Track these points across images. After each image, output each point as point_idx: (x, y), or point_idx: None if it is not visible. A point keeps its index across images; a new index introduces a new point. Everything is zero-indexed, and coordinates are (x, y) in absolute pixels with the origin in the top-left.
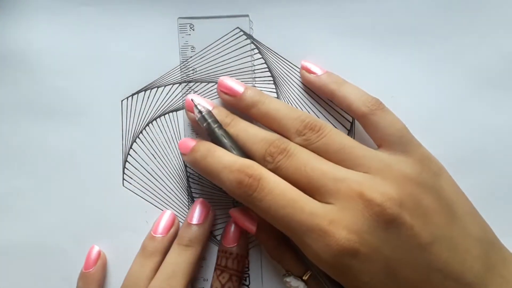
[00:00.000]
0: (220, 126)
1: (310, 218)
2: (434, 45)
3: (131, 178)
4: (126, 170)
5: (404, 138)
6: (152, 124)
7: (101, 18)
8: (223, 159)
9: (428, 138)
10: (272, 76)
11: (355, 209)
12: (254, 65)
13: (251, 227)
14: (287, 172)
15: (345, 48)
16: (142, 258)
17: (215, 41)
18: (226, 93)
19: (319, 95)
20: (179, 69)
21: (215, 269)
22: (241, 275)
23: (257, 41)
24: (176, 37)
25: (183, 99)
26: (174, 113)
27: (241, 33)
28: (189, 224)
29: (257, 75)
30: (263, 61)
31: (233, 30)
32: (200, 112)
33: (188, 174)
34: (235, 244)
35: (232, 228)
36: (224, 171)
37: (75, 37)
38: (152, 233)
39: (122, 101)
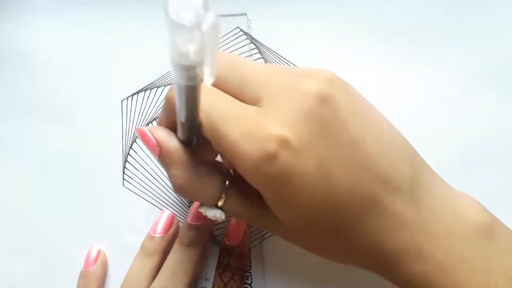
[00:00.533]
0: None
1: (242, 123)
2: (434, 45)
3: (131, 178)
4: (126, 170)
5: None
6: (152, 124)
7: (101, 18)
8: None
9: (428, 138)
10: None
11: (285, 101)
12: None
13: (155, 149)
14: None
15: (345, 48)
16: (141, 257)
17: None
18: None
19: None
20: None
21: (217, 268)
22: (243, 273)
23: (257, 41)
24: None
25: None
26: None
27: (241, 32)
28: (190, 225)
29: None
30: (263, 61)
31: (233, 30)
32: None
33: None
34: (237, 243)
35: (234, 226)
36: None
37: (75, 37)
38: (151, 233)
39: (122, 101)
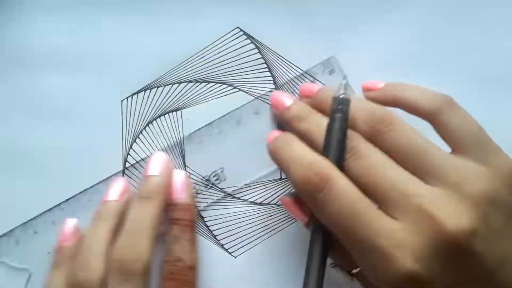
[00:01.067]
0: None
1: (375, 237)
2: (435, 45)
3: (131, 178)
4: (126, 170)
5: (480, 141)
6: (152, 124)
7: (101, 18)
8: (296, 152)
9: (428, 138)
10: (272, 76)
11: (423, 233)
12: (254, 65)
13: (303, 217)
14: (353, 173)
15: (345, 48)
16: (96, 221)
17: (215, 41)
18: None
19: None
20: (179, 69)
21: (167, 223)
22: (192, 224)
23: (257, 41)
24: (176, 36)
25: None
26: (174, 113)
27: (241, 33)
28: (147, 177)
29: (257, 75)
30: (263, 61)
31: (233, 30)
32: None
33: (188, 174)
34: (182, 196)
35: (177, 178)
36: (293, 164)
37: (75, 37)
38: (104, 199)
39: (122, 101)
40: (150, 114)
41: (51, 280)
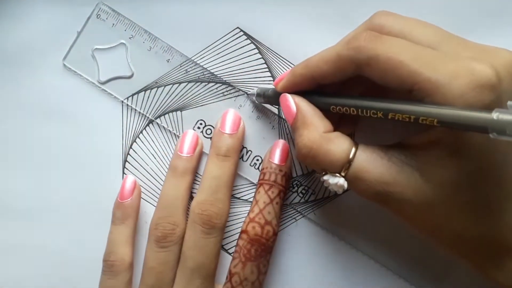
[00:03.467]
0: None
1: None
2: None
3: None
4: (126, 170)
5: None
6: (152, 124)
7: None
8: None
9: None
10: (272, 76)
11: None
12: (254, 65)
13: (292, 111)
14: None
15: None
16: (174, 178)
17: (215, 41)
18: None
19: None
20: (179, 69)
21: (261, 185)
22: (286, 192)
23: (257, 41)
24: (175, 36)
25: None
26: (174, 113)
27: (241, 33)
28: (223, 134)
29: (257, 75)
30: (263, 61)
31: (233, 30)
32: None
33: None
34: (284, 163)
35: (282, 146)
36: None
37: (75, 37)
38: (178, 152)
39: (122, 101)
40: (150, 114)
41: (117, 236)
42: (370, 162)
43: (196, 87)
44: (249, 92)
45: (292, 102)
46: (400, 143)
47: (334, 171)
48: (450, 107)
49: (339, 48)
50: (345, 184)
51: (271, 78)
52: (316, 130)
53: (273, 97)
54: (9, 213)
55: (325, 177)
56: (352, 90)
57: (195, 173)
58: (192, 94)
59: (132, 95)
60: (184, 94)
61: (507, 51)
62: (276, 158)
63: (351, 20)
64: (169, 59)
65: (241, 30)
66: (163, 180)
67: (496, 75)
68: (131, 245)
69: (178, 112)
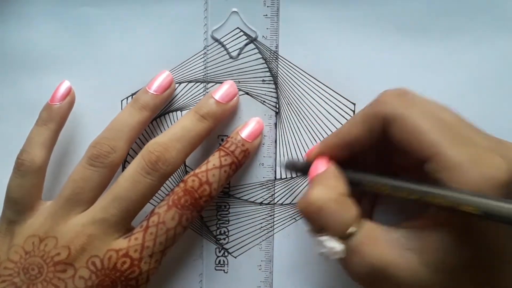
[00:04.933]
0: None
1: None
2: (434, 45)
3: None
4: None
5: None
6: (152, 124)
7: (101, 18)
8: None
9: None
10: (272, 76)
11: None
12: (254, 65)
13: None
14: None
15: (346, 48)
16: (131, 108)
17: (215, 41)
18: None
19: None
20: (179, 69)
21: (220, 150)
22: (238, 168)
23: (257, 41)
24: (175, 36)
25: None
26: (174, 113)
27: (241, 33)
28: (211, 98)
29: (257, 75)
30: (263, 61)
31: (233, 30)
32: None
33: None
34: (252, 140)
35: (255, 125)
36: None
37: (75, 37)
38: (146, 87)
39: (122, 101)
40: None
41: (36, 137)
42: (373, 239)
43: (196, 87)
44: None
45: (323, 164)
46: (401, 224)
47: (334, 234)
48: (489, 197)
49: (365, 108)
50: (342, 253)
51: (271, 78)
52: (333, 188)
53: (303, 169)
54: None
55: (323, 238)
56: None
57: (155, 112)
58: (192, 94)
59: (132, 95)
60: (184, 94)
61: None
62: (245, 133)
63: (352, 20)
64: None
65: (241, 30)
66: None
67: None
68: (47, 149)
69: (178, 112)
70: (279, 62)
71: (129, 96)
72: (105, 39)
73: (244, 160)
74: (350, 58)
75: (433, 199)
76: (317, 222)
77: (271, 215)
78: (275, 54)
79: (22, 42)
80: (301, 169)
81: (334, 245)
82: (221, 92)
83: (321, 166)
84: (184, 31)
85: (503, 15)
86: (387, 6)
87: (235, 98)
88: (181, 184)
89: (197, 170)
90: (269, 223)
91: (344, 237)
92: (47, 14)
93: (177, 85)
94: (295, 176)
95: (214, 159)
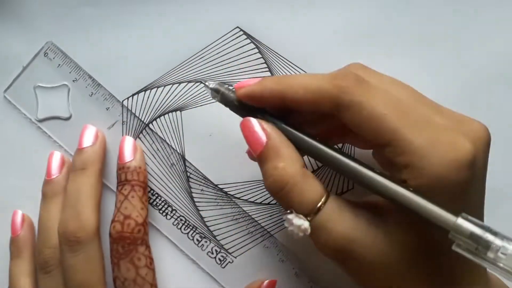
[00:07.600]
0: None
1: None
2: (434, 45)
3: None
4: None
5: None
6: (152, 124)
7: (102, 19)
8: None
9: None
10: (272, 76)
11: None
12: (254, 65)
13: (260, 140)
14: None
15: (346, 48)
16: (45, 203)
17: (215, 41)
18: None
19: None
20: (179, 69)
21: (117, 187)
22: (144, 185)
23: (257, 41)
24: (175, 36)
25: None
26: (174, 113)
27: (241, 33)
28: (80, 150)
29: (257, 75)
30: (263, 61)
31: (233, 29)
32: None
33: (188, 174)
34: (132, 159)
35: (126, 143)
36: None
37: (76, 37)
38: (46, 178)
39: (122, 101)
40: (150, 114)
41: (15, 269)
42: (339, 215)
43: (196, 87)
44: (207, 83)
45: (259, 128)
46: (367, 201)
47: (301, 213)
48: (420, 196)
49: (322, 81)
50: (308, 230)
51: None
52: (294, 164)
53: (232, 102)
54: (9, 213)
55: (290, 216)
56: (312, 126)
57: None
58: (192, 94)
59: (132, 95)
60: (184, 94)
61: (480, 124)
62: (119, 158)
63: (352, 21)
64: (108, 107)
65: (241, 30)
66: (163, 180)
67: (475, 152)
68: (30, 277)
69: (178, 112)
70: (279, 62)
71: (129, 96)
72: (106, 39)
73: (140, 175)
74: (350, 59)
75: (369, 186)
76: (284, 202)
77: (271, 215)
78: (275, 54)
79: (23, 42)
80: (232, 105)
81: (301, 223)
82: (83, 139)
83: (266, 126)
84: (184, 31)
85: (504, 15)
86: (387, 6)
87: (100, 134)
88: (109, 239)
89: (112, 218)
90: (269, 223)
91: (310, 214)
92: (48, 14)
93: (177, 85)
94: None
95: (117, 198)
